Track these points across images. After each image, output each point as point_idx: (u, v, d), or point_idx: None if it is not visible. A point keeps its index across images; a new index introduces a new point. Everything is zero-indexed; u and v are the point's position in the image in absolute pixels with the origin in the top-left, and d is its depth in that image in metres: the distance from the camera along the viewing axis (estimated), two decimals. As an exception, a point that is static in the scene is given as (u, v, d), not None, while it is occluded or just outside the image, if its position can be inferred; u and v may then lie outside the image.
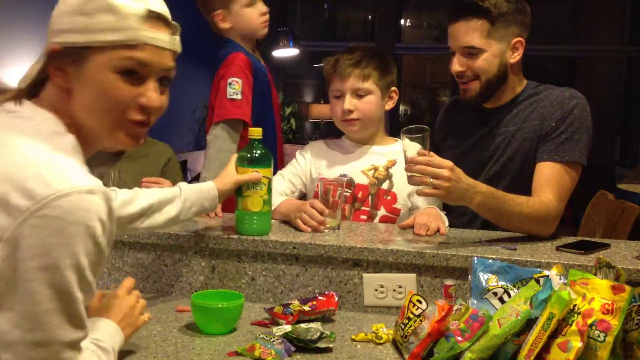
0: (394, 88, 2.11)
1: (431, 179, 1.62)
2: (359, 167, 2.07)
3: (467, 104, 2.02)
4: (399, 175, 1.96)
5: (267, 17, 2.16)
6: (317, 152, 2.15)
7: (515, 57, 1.95)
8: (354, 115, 2.05)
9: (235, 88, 2.11)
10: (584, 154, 1.89)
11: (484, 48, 1.91)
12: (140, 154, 2.16)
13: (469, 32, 1.91)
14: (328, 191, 1.82)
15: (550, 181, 1.85)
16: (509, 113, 1.99)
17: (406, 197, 2.03)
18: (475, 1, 1.90)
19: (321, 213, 1.78)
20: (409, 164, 1.63)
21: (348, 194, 2.03)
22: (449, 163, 1.63)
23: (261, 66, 2.23)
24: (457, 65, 1.96)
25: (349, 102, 2.04)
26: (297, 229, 1.81)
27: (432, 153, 1.65)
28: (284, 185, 2.09)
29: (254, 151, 1.73)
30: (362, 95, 2.04)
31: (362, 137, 2.11)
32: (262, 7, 2.13)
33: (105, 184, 1.83)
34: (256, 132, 1.74)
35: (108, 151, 2.12)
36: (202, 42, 2.14)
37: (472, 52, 1.92)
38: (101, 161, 2.15)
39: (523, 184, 1.89)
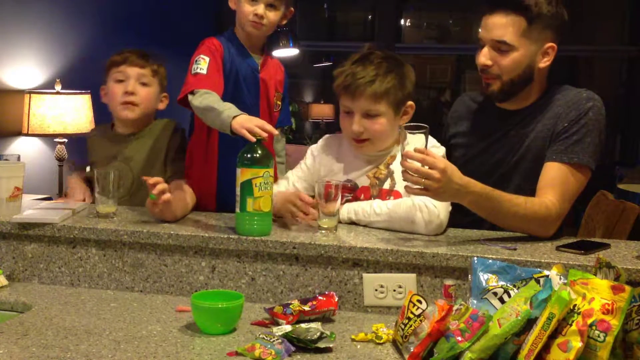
0: (410, 103, 1.97)
1: (423, 179, 1.63)
2: (364, 172, 2.00)
3: (487, 97, 2.00)
4: (400, 171, 1.94)
5: (257, 20, 2.04)
6: (328, 152, 2.07)
7: (544, 62, 1.93)
8: (363, 136, 1.95)
9: (200, 64, 2.00)
10: (593, 158, 1.86)
11: (516, 46, 1.88)
12: (147, 133, 2.18)
13: (504, 27, 1.87)
14: (329, 194, 1.79)
15: (555, 182, 1.83)
16: (527, 115, 1.97)
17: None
18: None
19: (310, 205, 1.77)
20: (403, 157, 1.64)
21: (350, 199, 1.97)
22: (440, 164, 1.63)
23: (248, 61, 2.12)
24: (484, 58, 1.92)
25: (358, 123, 1.92)
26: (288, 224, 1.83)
27: (428, 151, 1.65)
28: (290, 189, 2.04)
29: (260, 151, 1.70)
30: (374, 116, 1.92)
31: (373, 152, 2.01)
32: (258, 10, 2.03)
33: (106, 185, 1.86)
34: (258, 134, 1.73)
35: (121, 133, 2.20)
36: (205, 37, 2.13)
37: (502, 48, 1.89)
38: (116, 139, 2.20)
39: (534, 184, 1.87)
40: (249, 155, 1.70)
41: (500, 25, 1.88)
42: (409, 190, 1.69)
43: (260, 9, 2.04)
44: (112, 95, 2.17)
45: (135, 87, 2.14)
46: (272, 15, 2.07)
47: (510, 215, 1.76)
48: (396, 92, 1.93)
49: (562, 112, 1.90)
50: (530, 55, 1.90)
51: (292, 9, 2.13)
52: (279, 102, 2.21)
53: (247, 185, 1.69)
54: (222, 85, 2.01)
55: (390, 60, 1.97)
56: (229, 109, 1.80)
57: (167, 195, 1.82)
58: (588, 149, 1.85)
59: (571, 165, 1.84)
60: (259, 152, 1.70)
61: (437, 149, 1.92)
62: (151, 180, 1.82)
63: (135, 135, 2.19)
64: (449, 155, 1.96)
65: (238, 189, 1.71)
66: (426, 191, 1.65)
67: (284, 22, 2.14)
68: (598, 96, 1.92)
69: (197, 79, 1.97)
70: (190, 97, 1.93)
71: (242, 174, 1.70)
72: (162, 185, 1.82)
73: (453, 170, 1.66)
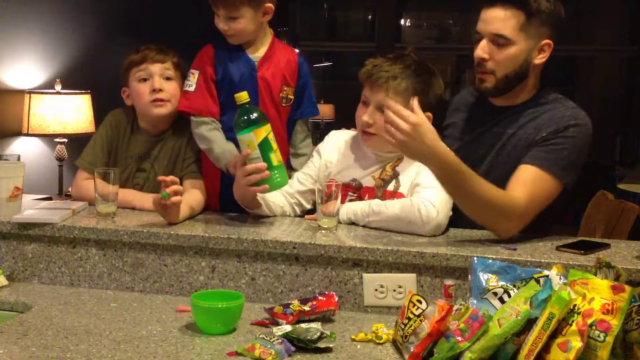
0: (428, 113, 1.91)
1: (393, 129, 1.64)
2: (370, 172, 2.00)
3: (481, 93, 1.99)
4: (406, 173, 1.93)
5: (227, 34, 2.05)
6: (335, 150, 2.07)
7: (540, 59, 1.92)
8: (371, 130, 1.94)
9: (190, 80, 2.07)
10: (566, 173, 1.82)
11: (514, 40, 1.87)
12: (172, 132, 2.15)
13: (503, 20, 1.86)
14: (330, 194, 1.79)
15: (525, 182, 1.79)
16: (512, 115, 1.96)
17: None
18: None
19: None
20: (385, 108, 1.67)
21: (354, 198, 1.97)
22: (413, 119, 1.63)
23: (244, 62, 2.10)
24: (481, 51, 1.91)
25: (370, 114, 1.94)
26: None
27: (410, 108, 1.67)
28: (294, 185, 2.04)
29: (255, 111, 1.79)
30: None
31: (378, 149, 2.00)
32: (220, 24, 2.05)
33: (106, 182, 1.86)
34: (243, 97, 1.79)
35: (147, 131, 2.16)
36: (205, 38, 2.13)
37: (500, 42, 1.88)
38: (142, 139, 2.16)
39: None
40: (254, 116, 1.79)
41: (499, 19, 1.87)
42: (384, 136, 1.72)
43: (221, 23, 2.05)
44: (139, 95, 2.10)
45: (161, 83, 2.09)
46: (238, 25, 2.04)
47: (474, 197, 1.71)
48: (416, 95, 1.89)
49: (543, 124, 1.88)
50: (527, 51, 1.89)
51: (270, 4, 2.08)
52: (291, 97, 2.16)
53: (266, 143, 1.78)
54: (211, 99, 2.07)
55: (422, 66, 1.98)
56: (223, 153, 1.97)
57: (177, 198, 1.81)
58: (562, 163, 1.82)
59: (543, 171, 1.80)
60: (257, 111, 1.80)
61: None
62: (168, 178, 1.82)
63: (162, 135, 2.14)
64: None
65: (257, 151, 1.78)
66: (396, 142, 1.66)
67: (268, 19, 2.10)
68: (585, 118, 1.88)
69: (186, 97, 2.08)
70: (192, 120, 2.06)
71: (257, 135, 1.78)
72: (177, 187, 1.81)
73: (427, 130, 1.65)
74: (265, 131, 1.79)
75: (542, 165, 1.81)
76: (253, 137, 1.78)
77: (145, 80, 2.10)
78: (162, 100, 2.09)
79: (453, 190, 1.74)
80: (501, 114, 1.99)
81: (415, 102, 1.69)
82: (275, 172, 1.81)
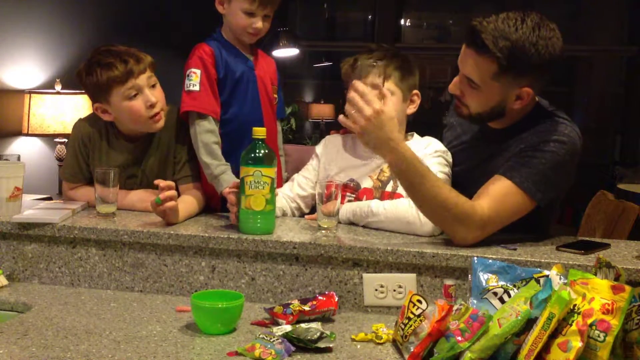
0: (416, 91, 2.01)
1: (353, 111, 1.63)
2: (368, 172, 2.01)
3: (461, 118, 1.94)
4: None
5: (255, 32, 2.05)
6: (331, 153, 2.08)
7: (518, 105, 1.78)
8: None
9: (192, 79, 2.02)
10: (538, 189, 1.72)
11: (483, 87, 1.75)
12: (158, 133, 2.10)
13: (475, 65, 1.73)
14: (330, 194, 1.79)
15: (492, 192, 1.72)
16: (499, 136, 1.87)
17: None
18: (492, 41, 1.68)
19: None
20: (352, 86, 1.65)
21: (352, 199, 1.98)
22: (377, 105, 1.62)
23: (242, 61, 2.11)
24: (453, 87, 1.83)
25: None
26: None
27: (379, 87, 1.67)
28: (294, 188, 2.05)
29: (257, 151, 1.73)
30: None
31: None
32: (257, 23, 2.03)
33: (106, 184, 1.86)
34: (259, 132, 1.74)
35: (130, 136, 2.10)
36: (204, 37, 2.12)
37: (471, 85, 1.77)
38: (126, 148, 2.10)
39: None
40: (248, 154, 1.74)
41: (472, 62, 1.74)
42: (341, 120, 1.69)
43: (259, 22, 2.04)
44: (134, 113, 2.00)
45: (153, 94, 2.01)
46: (267, 24, 2.07)
47: (430, 197, 1.66)
48: (402, 74, 1.97)
49: (526, 137, 1.79)
50: (500, 97, 1.77)
51: None
52: (275, 95, 2.20)
53: (242, 183, 1.74)
54: (216, 99, 2.05)
55: (394, 49, 2.05)
56: (222, 175, 1.95)
57: (171, 203, 1.80)
58: (535, 177, 1.72)
59: (514, 184, 1.72)
60: (255, 151, 1.74)
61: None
62: (162, 183, 1.81)
63: (148, 139, 2.09)
64: None
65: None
66: (354, 125, 1.65)
67: None
68: (572, 134, 1.76)
69: (192, 97, 2.02)
70: (198, 123, 2.00)
71: (240, 172, 1.75)
72: (171, 192, 1.81)
73: (390, 121, 1.64)
74: (244, 172, 1.73)
75: (513, 177, 1.72)
76: (239, 171, 1.76)
77: (134, 95, 2.00)
78: (158, 113, 2.03)
79: (408, 186, 1.70)
80: (494, 134, 1.90)
81: (385, 89, 1.71)
82: (247, 216, 1.74)
